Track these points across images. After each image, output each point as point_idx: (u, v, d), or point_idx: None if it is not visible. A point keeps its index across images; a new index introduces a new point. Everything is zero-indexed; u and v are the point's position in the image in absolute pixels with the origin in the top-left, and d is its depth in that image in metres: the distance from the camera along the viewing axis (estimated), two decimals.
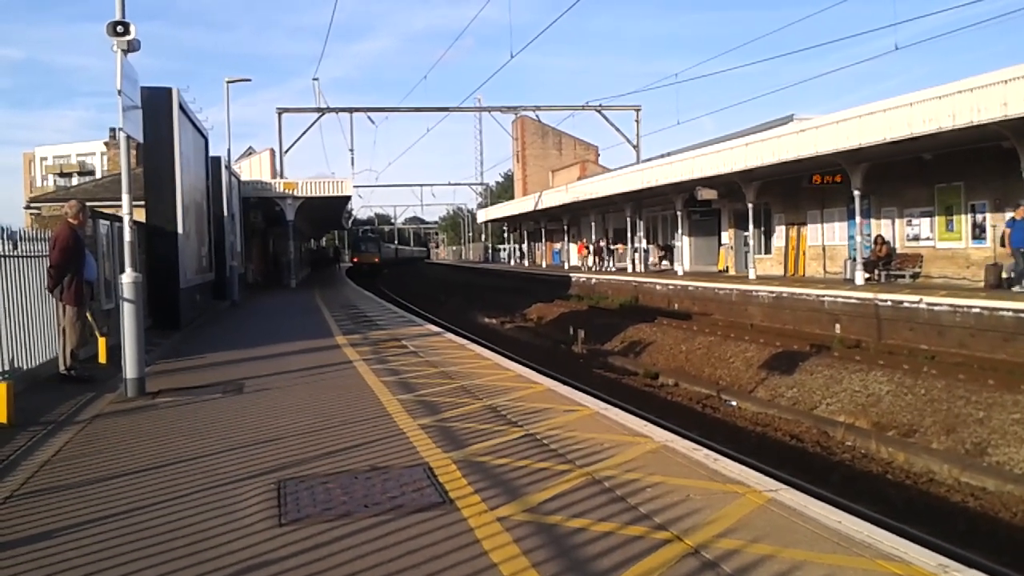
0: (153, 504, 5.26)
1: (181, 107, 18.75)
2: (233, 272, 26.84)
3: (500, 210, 70.59)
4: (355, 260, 70.49)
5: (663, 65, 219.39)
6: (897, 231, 25.16)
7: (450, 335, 16.10)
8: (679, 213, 35.71)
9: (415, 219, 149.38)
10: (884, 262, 24.31)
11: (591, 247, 46.31)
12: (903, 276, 23.81)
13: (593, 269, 44.22)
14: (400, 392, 9.09)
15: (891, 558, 4.05)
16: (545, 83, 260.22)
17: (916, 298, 18.77)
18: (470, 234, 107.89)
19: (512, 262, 71.31)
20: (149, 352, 11.54)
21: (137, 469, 6.19)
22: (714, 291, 27.90)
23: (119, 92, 9.43)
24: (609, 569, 3.97)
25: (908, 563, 3.98)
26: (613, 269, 42.76)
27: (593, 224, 47.45)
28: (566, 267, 51.71)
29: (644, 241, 42.18)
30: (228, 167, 28.96)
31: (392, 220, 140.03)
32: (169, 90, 18.15)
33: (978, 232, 22.17)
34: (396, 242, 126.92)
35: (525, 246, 69.72)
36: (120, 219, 10.50)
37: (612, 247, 45.88)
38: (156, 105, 16.96)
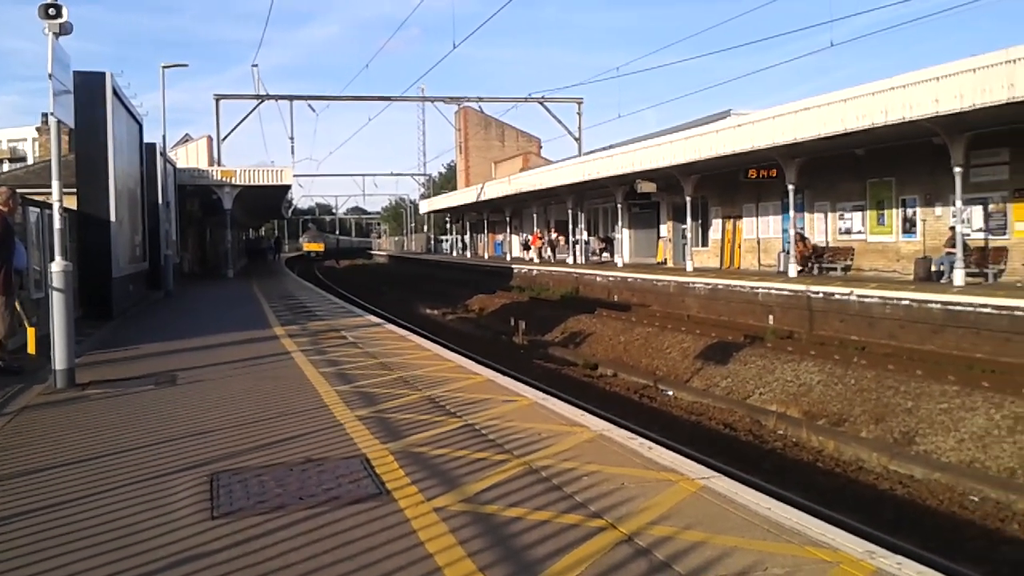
0: (81, 498, 5.14)
1: (115, 92, 18.27)
2: (168, 261, 26.28)
3: (443, 201, 70.37)
4: (305, 247, 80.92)
5: (605, 58, 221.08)
6: (830, 225, 25.77)
7: (391, 326, 16.01)
8: (619, 206, 36.04)
9: (357, 209, 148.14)
10: (811, 257, 24.89)
11: (544, 238, 46.04)
12: (835, 269, 24.41)
13: (549, 260, 44.04)
14: (338, 383, 9.02)
15: (820, 544, 4.15)
16: (488, 74, 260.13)
17: (847, 290, 19.25)
18: (412, 225, 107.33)
19: (454, 253, 71.20)
20: (80, 343, 11.27)
21: (65, 462, 6.03)
22: (652, 283, 28.23)
23: (50, 76, 9.15)
24: (544, 557, 4.00)
25: (836, 549, 4.09)
26: (568, 261, 42.81)
27: (535, 216, 47.60)
28: (508, 258, 51.79)
29: (585, 233, 42.47)
30: (164, 154, 28.31)
31: (333, 210, 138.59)
32: (103, 75, 17.67)
33: (908, 226, 22.83)
34: (338, 232, 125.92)
35: (467, 237, 69.64)
36: (51, 206, 10.20)
37: (554, 239, 45.98)
38: (89, 90, 16.51)
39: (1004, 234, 19.82)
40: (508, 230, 55.17)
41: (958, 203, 18.74)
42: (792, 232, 24.62)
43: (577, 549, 4.09)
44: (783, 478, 10.28)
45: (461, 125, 79.53)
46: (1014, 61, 15.16)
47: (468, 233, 69.36)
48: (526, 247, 48.24)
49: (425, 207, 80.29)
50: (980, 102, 15.90)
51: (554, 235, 46.09)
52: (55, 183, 9.45)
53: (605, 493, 4.96)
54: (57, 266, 9.35)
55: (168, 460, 5.97)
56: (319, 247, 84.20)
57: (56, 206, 9.55)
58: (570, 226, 42.01)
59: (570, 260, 40.83)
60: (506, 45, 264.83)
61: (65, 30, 9.30)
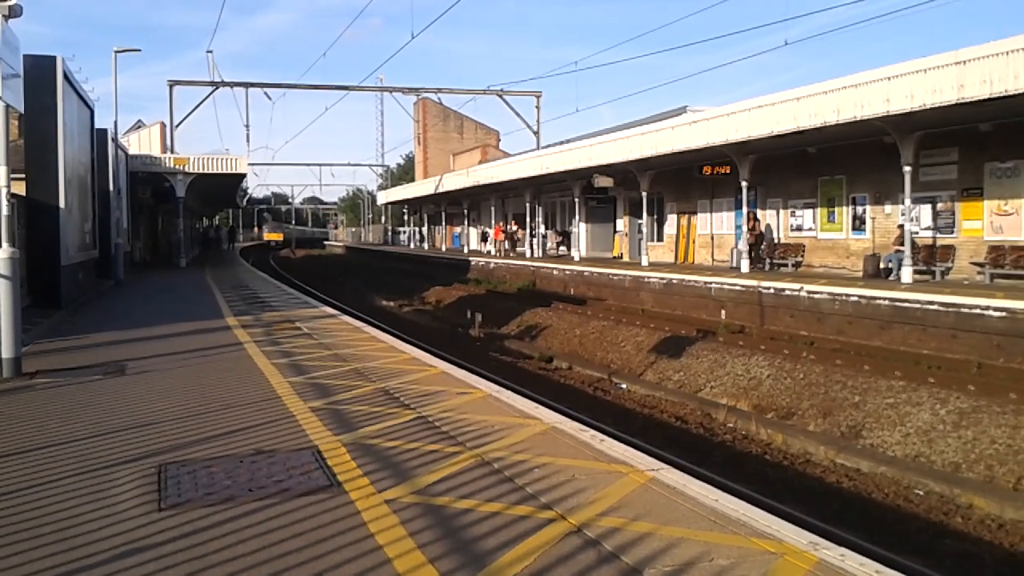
0: (23, 488, 5.05)
1: (66, 76, 17.88)
2: (118, 250, 25.81)
3: (400, 192, 69.95)
4: (266, 236, 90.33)
5: (564, 53, 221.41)
6: (781, 221, 26.13)
7: (346, 317, 15.93)
8: (577, 200, 36.17)
9: (313, 199, 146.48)
10: (757, 246, 25.30)
11: (506, 231, 45.64)
12: (786, 265, 24.77)
13: (508, 253, 43.73)
14: (291, 374, 8.96)
15: (765, 536, 4.23)
16: (448, 66, 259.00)
17: (797, 286, 19.56)
18: (370, 216, 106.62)
19: (412, 245, 70.85)
20: (27, 331, 11.04)
21: (8, 452, 5.92)
22: (608, 277, 28.40)
23: None
24: (494, 548, 4.02)
25: (781, 540, 4.17)
26: (527, 254, 42.74)
27: (493, 209, 47.58)
28: (466, 251, 51.71)
29: (543, 227, 42.56)
30: (115, 140, 27.76)
31: (289, 200, 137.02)
32: (53, 59, 17.29)
33: (858, 224, 23.24)
34: (294, 222, 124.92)
35: (425, 229, 69.38)
36: None
37: (513, 232, 45.87)
38: (39, 74, 16.14)
39: (952, 233, 20.27)
40: (466, 223, 55.07)
41: (907, 201, 19.11)
42: (745, 228, 24.93)
43: (527, 540, 4.12)
44: (732, 470, 10.42)
45: (420, 116, 79.17)
46: (964, 63, 15.48)
47: (426, 225, 69.11)
48: (485, 239, 47.90)
49: (383, 198, 79.79)
50: (930, 102, 16.21)
51: (513, 227, 45.96)
52: (2, 168, 9.24)
53: (556, 485, 5.00)
54: (3, 253, 9.15)
55: (115, 451, 5.89)
56: (279, 237, 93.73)
57: (3, 192, 9.34)
58: (528, 219, 42.09)
59: (528, 253, 40.90)
60: (466, 37, 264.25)
61: (15, 12, 9.14)
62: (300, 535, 4.23)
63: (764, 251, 25.74)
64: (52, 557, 3.97)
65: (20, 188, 16.05)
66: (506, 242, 45.19)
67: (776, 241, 26.09)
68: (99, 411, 7.29)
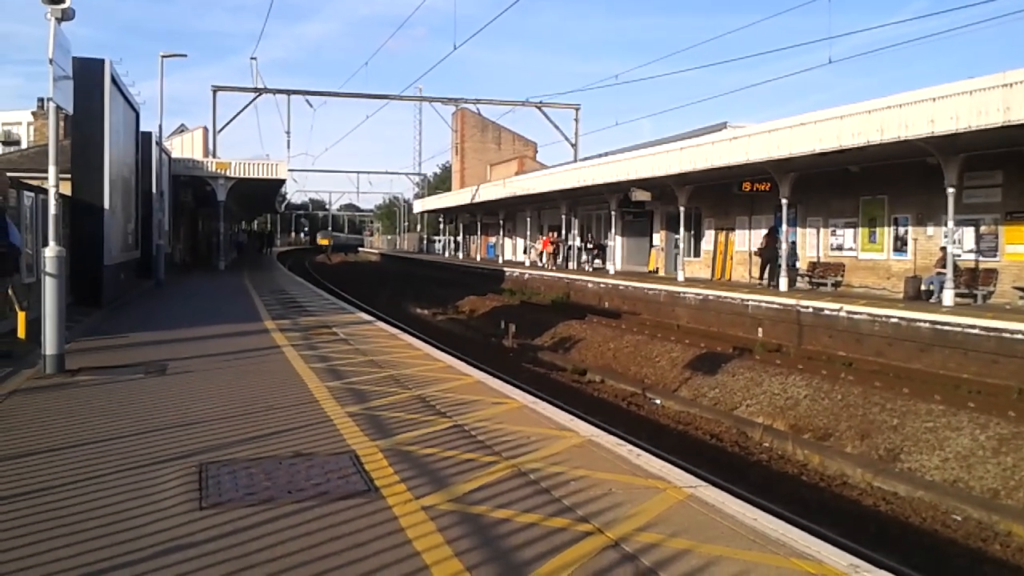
0: (68, 483, 5.14)
1: (113, 80, 18.24)
2: (160, 251, 26.21)
3: (437, 201, 70.30)
4: (319, 241, 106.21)
5: (604, 66, 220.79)
6: (821, 240, 25.87)
7: (382, 324, 16.02)
8: (613, 213, 36.08)
9: (350, 206, 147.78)
10: (769, 264, 25.45)
11: (555, 242, 43.75)
12: (825, 284, 24.51)
13: (554, 267, 42.10)
14: (328, 379, 9.03)
15: (804, 556, 4.18)
16: (487, 77, 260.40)
17: (837, 306, 19.33)
18: (405, 224, 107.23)
19: (447, 254, 71.12)
20: (70, 329, 11.22)
21: (53, 447, 6.03)
22: (644, 291, 28.29)
23: (50, 61, 9.15)
24: (531, 560, 4.02)
25: (820, 562, 4.12)
26: (588, 268, 42.30)
27: (529, 220, 47.61)
28: (500, 261, 51.79)
29: (579, 239, 42.48)
30: (159, 143, 28.24)
31: (327, 206, 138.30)
32: (102, 62, 17.63)
33: (899, 244, 22.94)
34: (331, 229, 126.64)
35: (460, 238, 69.61)
36: (46, 191, 10.18)
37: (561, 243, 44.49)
38: (88, 76, 16.46)
39: (995, 256, 19.93)
40: (501, 233, 55.16)
41: (950, 223, 18.84)
42: (785, 246, 24.73)
43: (564, 552, 4.11)
44: (768, 490, 10.30)
45: (458, 126, 79.49)
46: (1011, 85, 15.27)
47: (461, 234, 69.34)
48: (526, 250, 46.89)
49: (419, 207, 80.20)
50: (975, 124, 15.99)
51: (560, 239, 44.56)
52: (52, 168, 9.45)
53: (593, 498, 4.98)
54: (51, 251, 9.33)
55: (157, 449, 5.97)
56: (327, 241, 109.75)
57: (52, 191, 9.54)
58: (564, 232, 42.02)
59: (552, 266, 40.83)
60: (506, 49, 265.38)
61: (67, 16, 9.31)
62: (339, 539, 4.26)
63: (779, 270, 25.68)
64: (97, 552, 4.04)
65: (66, 188, 16.35)
66: (556, 254, 43.58)
67: (793, 260, 25.86)
68: (141, 409, 7.40)
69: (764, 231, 27.05)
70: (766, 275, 25.83)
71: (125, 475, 5.32)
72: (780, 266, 24.75)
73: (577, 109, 52.77)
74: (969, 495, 10.95)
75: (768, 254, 25.81)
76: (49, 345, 9.23)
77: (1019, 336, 14.81)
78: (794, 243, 26.21)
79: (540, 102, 51.42)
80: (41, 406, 7.56)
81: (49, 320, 9.20)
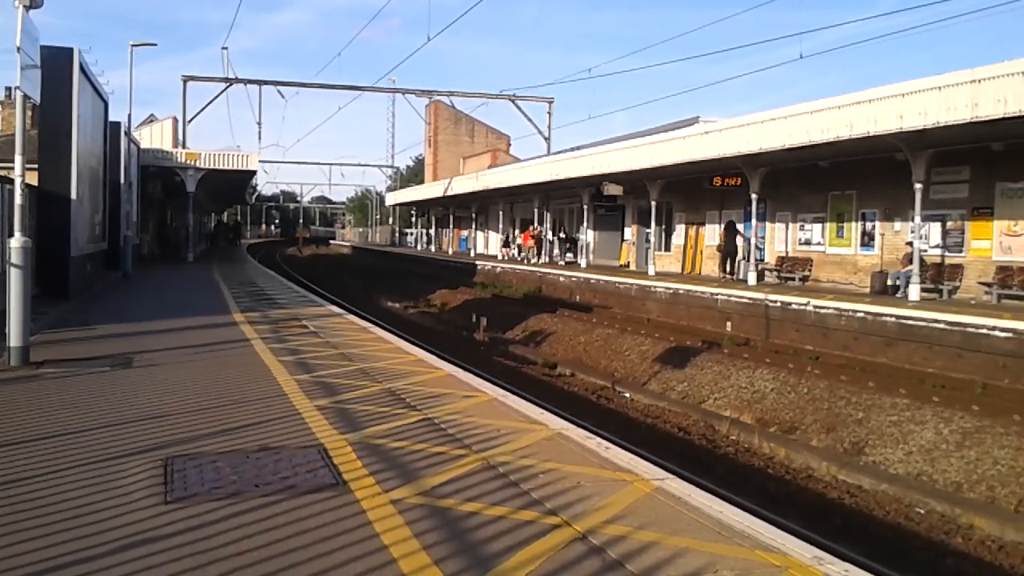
0: (32, 477, 5.07)
1: (82, 69, 17.94)
2: (127, 242, 25.89)
3: (409, 194, 70.08)
4: (298, 234, 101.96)
5: (578, 59, 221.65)
6: (790, 235, 26.13)
7: (352, 317, 15.95)
8: (585, 207, 36.17)
9: (322, 199, 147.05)
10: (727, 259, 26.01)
11: (536, 236, 42.63)
12: (793, 279, 24.76)
13: (527, 260, 41.57)
14: (298, 372, 8.98)
15: (769, 548, 4.23)
16: (461, 69, 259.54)
17: (804, 300, 19.54)
18: (378, 216, 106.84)
19: (419, 247, 70.95)
20: (35, 321, 11.06)
21: (16, 441, 5.94)
22: (615, 285, 28.40)
23: (18, 50, 9.01)
24: (499, 552, 4.03)
25: (785, 554, 4.17)
26: (534, 260, 42.23)
27: (501, 213, 47.61)
28: (472, 254, 51.75)
29: (550, 233, 42.56)
30: (128, 133, 27.86)
31: (298, 198, 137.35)
32: (71, 50, 17.34)
33: (867, 240, 23.22)
34: (302, 221, 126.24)
35: (433, 231, 69.46)
36: (11, 181, 10.03)
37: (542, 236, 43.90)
38: (56, 65, 16.16)
39: (961, 251, 20.24)
40: (474, 226, 55.13)
41: (917, 219, 19.09)
42: (754, 240, 24.96)
43: (532, 545, 4.12)
44: (734, 482, 10.40)
45: (431, 119, 79.33)
46: (979, 81, 15.48)
47: (433, 227, 69.19)
48: (507, 244, 46.31)
49: (391, 199, 79.95)
50: (944, 120, 16.21)
51: (543, 233, 43.10)
52: (18, 158, 9.31)
53: (561, 491, 5.00)
54: (16, 242, 9.20)
55: (122, 443, 5.91)
56: (307, 234, 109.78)
57: (18, 181, 9.41)
58: (532, 226, 42.08)
59: (535, 260, 40.89)
60: (481, 41, 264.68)
61: (35, 3, 9.18)
62: (306, 532, 4.25)
63: (739, 265, 26.09)
64: (60, 546, 3.99)
65: (32, 178, 16.10)
66: (539, 248, 42.45)
67: (784, 254, 26.10)
68: (106, 402, 7.31)
69: (738, 226, 27.30)
70: (727, 269, 26.10)
71: (89, 469, 5.26)
72: (739, 260, 25.00)
73: (551, 102, 52.94)
74: (933, 488, 11.12)
75: (727, 248, 26.08)
76: (14, 337, 9.09)
77: (983, 331, 15.05)
78: (762, 237, 26.45)
79: (514, 95, 51.52)
80: (5, 399, 7.44)
81: (14, 312, 9.06)
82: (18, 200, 9.43)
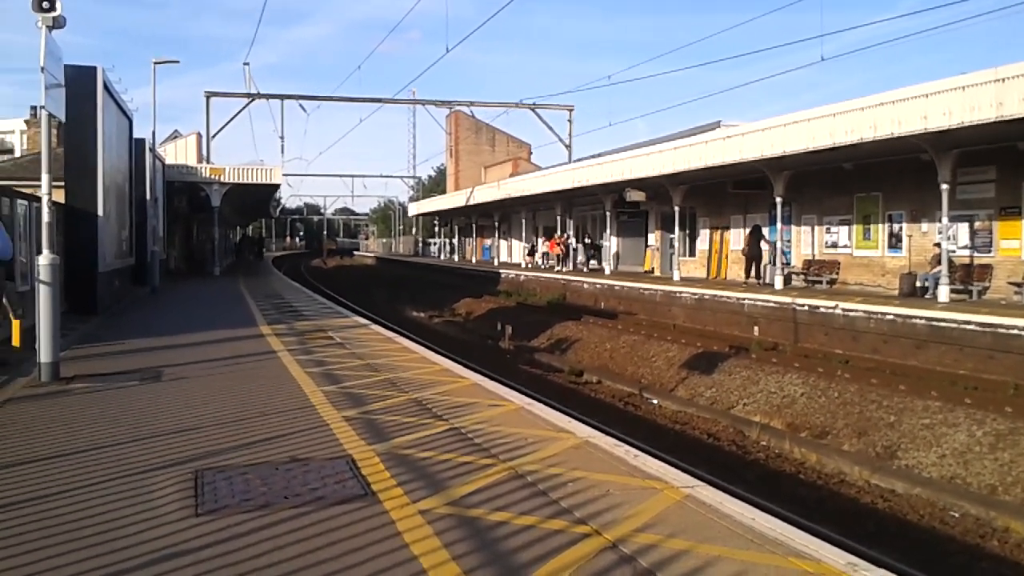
0: (64, 491, 5.11)
1: (106, 87, 18.20)
2: (154, 257, 26.15)
3: (432, 204, 70.32)
4: (325, 246, 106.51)
5: (597, 66, 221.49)
6: (816, 238, 25.91)
7: (377, 327, 16.00)
8: (608, 213, 36.09)
9: (345, 210, 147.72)
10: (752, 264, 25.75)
11: (561, 244, 41.67)
12: (820, 282, 24.53)
13: (555, 269, 40.60)
14: (325, 383, 9.01)
15: (802, 555, 4.17)
16: (481, 79, 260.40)
17: (832, 303, 19.35)
18: (401, 227, 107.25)
19: (442, 256, 71.11)
20: (65, 336, 11.20)
21: (48, 455, 6.00)
22: (639, 291, 28.30)
23: (42, 69, 9.13)
24: (529, 562, 4.01)
25: (819, 561, 4.11)
26: (556, 267, 42.20)
27: (524, 222, 47.61)
28: (496, 263, 51.79)
29: (574, 240, 42.49)
30: (152, 150, 28.18)
31: (322, 210, 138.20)
32: (94, 69, 17.60)
33: (894, 241, 22.97)
34: (326, 233, 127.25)
35: (456, 241, 69.62)
36: (39, 199, 10.16)
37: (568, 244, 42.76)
38: (80, 84, 16.41)
39: (989, 252, 19.97)
40: (497, 235, 55.18)
41: (944, 220, 18.86)
42: (779, 244, 24.78)
43: (561, 555, 4.10)
44: (766, 489, 10.30)
45: (452, 129, 79.50)
46: (1003, 80, 15.30)
47: (456, 237, 69.35)
48: (532, 253, 46.06)
49: (414, 210, 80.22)
50: (968, 120, 16.03)
51: (571, 241, 41.84)
52: (44, 176, 9.43)
53: (590, 499, 4.97)
54: (45, 259, 9.31)
55: (152, 456, 5.95)
56: (334, 245, 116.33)
57: (45, 199, 9.52)
58: (558, 233, 42.01)
59: (558, 267, 40.83)
60: (499, 50, 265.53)
61: (58, 23, 9.30)
62: (336, 543, 4.24)
63: (765, 268, 25.83)
64: (93, 560, 4.02)
65: (59, 196, 16.32)
66: (565, 255, 41.23)
67: (788, 259, 25.92)
68: (136, 416, 7.37)
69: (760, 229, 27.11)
70: (752, 274, 25.89)
71: (120, 482, 5.30)
72: (765, 265, 24.80)
73: (571, 110, 52.90)
74: (967, 491, 10.95)
75: (751, 252, 25.89)
76: (44, 353, 9.20)
77: (1015, 331, 14.83)
78: (788, 241, 26.25)
79: (534, 103, 51.53)
80: (36, 414, 7.53)
81: (44, 328, 9.17)
82: (45, 218, 9.55)
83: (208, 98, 47.43)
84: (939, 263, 19.09)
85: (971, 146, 18.21)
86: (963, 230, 20.51)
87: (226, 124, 50.02)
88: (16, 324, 11.71)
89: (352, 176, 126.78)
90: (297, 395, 8.36)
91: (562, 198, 39.23)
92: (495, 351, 23.37)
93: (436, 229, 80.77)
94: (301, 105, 50.96)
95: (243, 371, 10.06)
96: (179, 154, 45.32)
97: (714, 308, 23.78)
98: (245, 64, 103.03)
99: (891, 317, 17.63)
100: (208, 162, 41.49)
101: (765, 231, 26.43)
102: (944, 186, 18.53)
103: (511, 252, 55.17)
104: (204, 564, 3.97)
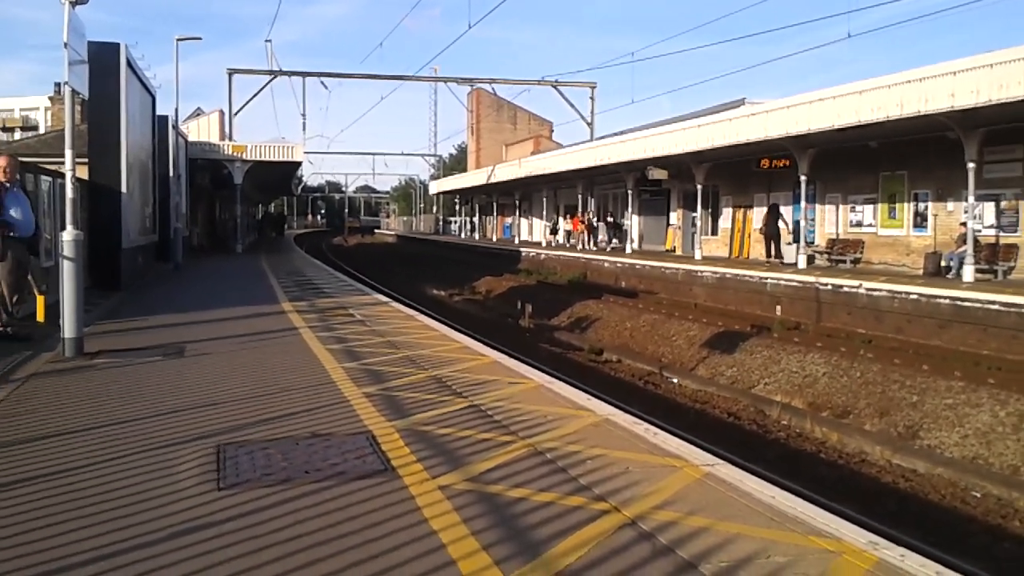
0: (87, 465, 5.17)
1: (129, 63, 18.26)
2: (177, 234, 26.34)
3: (453, 182, 70.30)
4: (348, 224, 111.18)
5: (620, 43, 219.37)
6: (841, 217, 25.67)
7: (398, 305, 16.05)
8: (630, 192, 35.94)
9: (366, 188, 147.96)
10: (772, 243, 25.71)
11: (585, 222, 41.56)
12: (844, 261, 24.33)
13: (585, 248, 39.88)
14: (345, 360, 9.05)
15: (823, 534, 4.15)
16: (502, 56, 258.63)
17: (856, 283, 19.20)
18: (422, 205, 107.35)
19: (463, 235, 71.17)
20: (88, 312, 11.30)
21: (71, 430, 6.07)
22: (661, 270, 28.19)
23: (65, 46, 9.16)
24: (548, 538, 4.01)
25: (840, 539, 4.09)
26: (578, 246, 41.96)
27: (545, 200, 47.51)
28: (516, 241, 51.75)
29: (595, 218, 42.37)
30: (175, 127, 28.31)
31: (343, 188, 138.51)
32: (117, 45, 17.67)
33: (919, 220, 22.73)
34: (347, 211, 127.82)
35: (476, 219, 69.60)
36: (63, 176, 10.22)
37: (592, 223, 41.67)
38: (103, 61, 16.50)
39: (1015, 231, 19.72)
40: (517, 213, 55.09)
41: (970, 199, 18.64)
42: (803, 223, 24.58)
43: (580, 531, 4.10)
44: (786, 468, 10.27)
45: (473, 107, 79.38)
46: None
47: (477, 215, 69.32)
48: (555, 232, 45.75)
49: (435, 188, 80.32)
50: (996, 98, 15.79)
51: (595, 219, 41.67)
52: (68, 153, 9.47)
53: (610, 477, 4.97)
54: (68, 235, 9.38)
55: (175, 431, 6.00)
56: (357, 224, 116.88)
57: (69, 176, 9.58)
58: (580, 211, 41.89)
59: (579, 245, 40.76)
60: (521, 28, 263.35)
61: (81, 0, 9.31)
62: (356, 518, 4.27)
63: (784, 247, 25.77)
64: (115, 533, 4.06)
65: (83, 172, 16.42)
66: (590, 234, 41.07)
67: (811, 238, 25.65)
68: (159, 391, 7.44)
69: (787, 209, 26.94)
70: (772, 252, 25.74)
71: (142, 456, 5.35)
72: (784, 243, 24.63)
73: (593, 87, 52.57)
74: (989, 471, 10.88)
75: (769, 231, 25.70)
76: (68, 328, 9.29)
77: None
78: (812, 220, 26.02)
79: (556, 81, 51.28)
80: (60, 389, 7.62)
81: (67, 303, 9.25)
82: (69, 194, 9.62)
83: (230, 75, 47.60)
84: (964, 242, 18.88)
85: (998, 124, 17.93)
86: (989, 209, 20.25)
87: (248, 101, 49.96)
88: (40, 299, 11.83)
89: (373, 154, 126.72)
90: (318, 371, 8.41)
91: (583, 176, 39.07)
92: (515, 329, 23.40)
93: (457, 207, 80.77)
94: (323, 82, 51.09)
95: (265, 347, 10.12)
96: (202, 131, 45.54)
97: (736, 287, 23.66)
98: (267, 41, 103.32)
99: (915, 297, 17.47)
100: (230, 139, 41.69)
101: (788, 210, 26.22)
102: (971, 165, 18.29)
103: (531, 231, 55.10)
104: (226, 537, 4.00)
